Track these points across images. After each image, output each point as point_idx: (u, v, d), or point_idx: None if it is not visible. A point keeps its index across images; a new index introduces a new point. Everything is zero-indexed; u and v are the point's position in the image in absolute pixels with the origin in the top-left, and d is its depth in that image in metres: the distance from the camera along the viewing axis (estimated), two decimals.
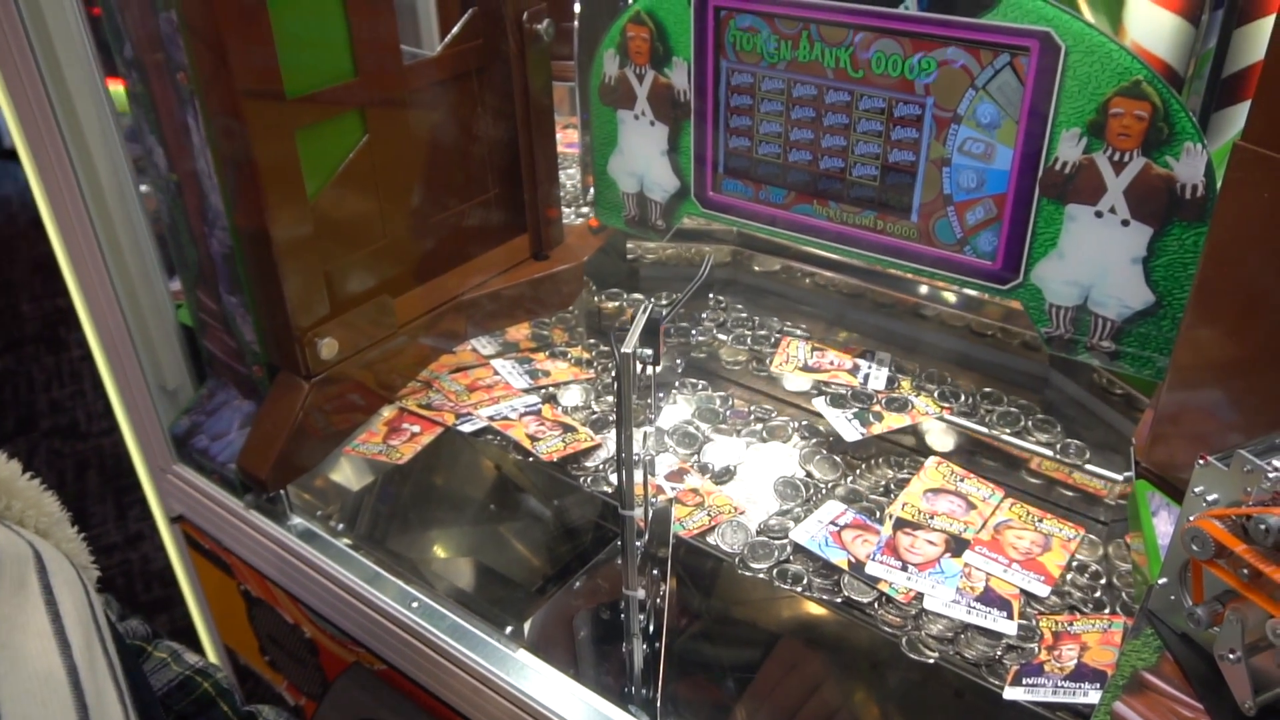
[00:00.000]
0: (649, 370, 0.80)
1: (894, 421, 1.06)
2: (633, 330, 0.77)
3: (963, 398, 1.09)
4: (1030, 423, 1.05)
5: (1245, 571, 0.61)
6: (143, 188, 1.18)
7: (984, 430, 1.05)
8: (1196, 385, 0.80)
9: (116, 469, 2.95)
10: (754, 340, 1.24)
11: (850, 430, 1.05)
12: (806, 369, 1.16)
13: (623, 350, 0.75)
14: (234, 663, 1.48)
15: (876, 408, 1.09)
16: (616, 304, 1.32)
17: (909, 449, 1.08)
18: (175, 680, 0.83)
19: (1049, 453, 1.01)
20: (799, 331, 1.24)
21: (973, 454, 1.06)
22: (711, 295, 1.33)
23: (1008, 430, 1.04)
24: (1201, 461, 0.65)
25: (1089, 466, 0.99)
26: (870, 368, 1.16)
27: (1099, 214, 0.90)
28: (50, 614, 0.53)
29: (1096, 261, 0.92)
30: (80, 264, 1.17)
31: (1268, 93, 0.67)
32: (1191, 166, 0.83)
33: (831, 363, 1.17)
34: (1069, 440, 1.01)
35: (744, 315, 1.29)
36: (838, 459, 1.06)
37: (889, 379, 1.14)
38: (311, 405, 1.08)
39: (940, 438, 1.07)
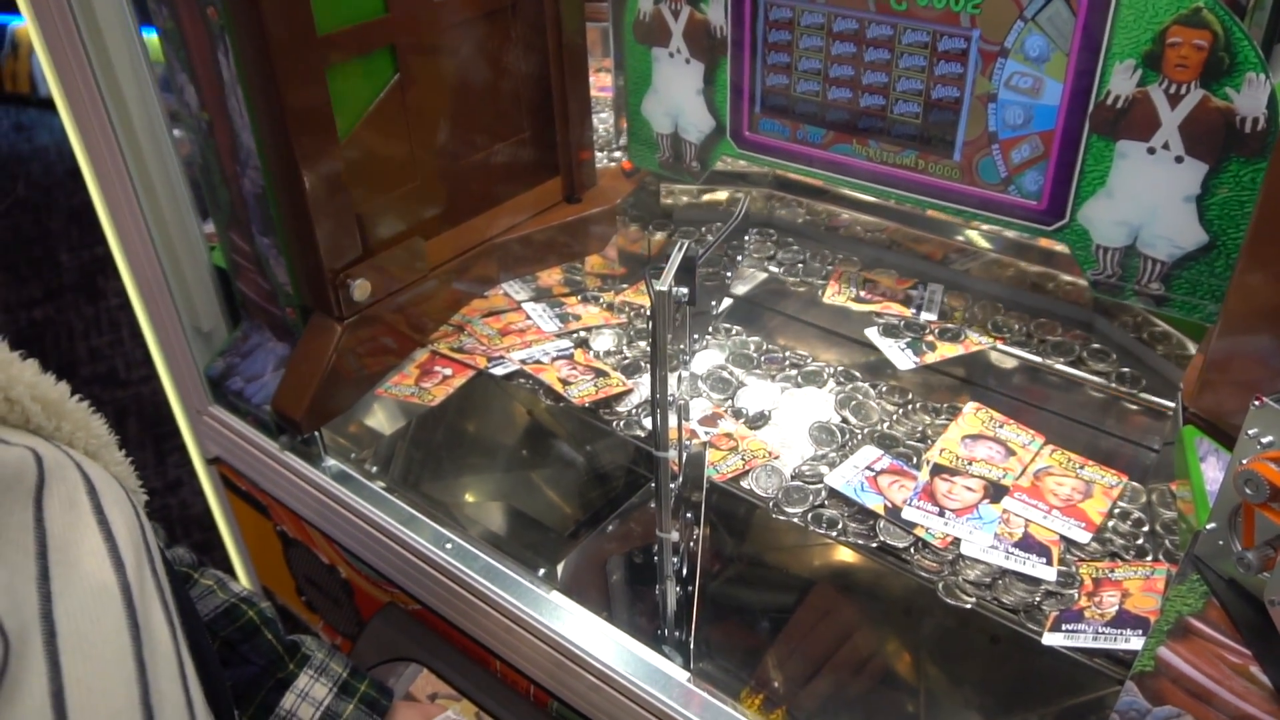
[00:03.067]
0: (684, 309, 0.79)
1: (947, 351, 1.06)
2: (668, 268, 0.75)
3: (1017, 327, 1.08)
4: (1085, 352, 1.03)
5: None
6: (176, 133, 1.17)
7: (1039, 360, 1.04)
8: (1250, 330, 0.77)
9: (155, 416, 2.99)
10: (806, 272, 1.22)
11: (904, 359, 1.05)
12: (859, 300, 1.16)
13: (658, 288, 0.74)
14: (271, 603, 1.50)
15: (930, 337, 1.08)
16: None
17: (960, 379, 1.07)
18: (221, 607, 0.85)
19: (1104, 380, 0.99)
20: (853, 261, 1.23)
21: (1027, 384, 1.05)
22: (755, 231, 1.31)
23: (1062, 360, 1.03)
24: (1257, 403, 0.63)
25: (1144, 395, 0.98)
26: (923, 299, 1.15)
27: (1151, 150, 0.86)
28: (104, 533, 0.54)
29: (1147, 200, 0.89)
30: (117, 208, 1.18)
31: None
32: (1253, 98, 0.79)
33: (884, 293, 1.16)
34: (1124, 369, 1.00)
35: (795, 248, 1.27)
36: (874, 404, 1.05)
37: (941, 311, 1.13)
38: (345, 347, 1.08)
39: (993, 368, 1.06)
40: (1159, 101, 0.84)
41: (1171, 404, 0.95)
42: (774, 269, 1.24)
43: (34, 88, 5.06)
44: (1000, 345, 1.06)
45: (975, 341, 1.07)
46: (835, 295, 1.17)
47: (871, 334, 1.10)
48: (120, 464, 0.65)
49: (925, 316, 1.12)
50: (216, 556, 2.13)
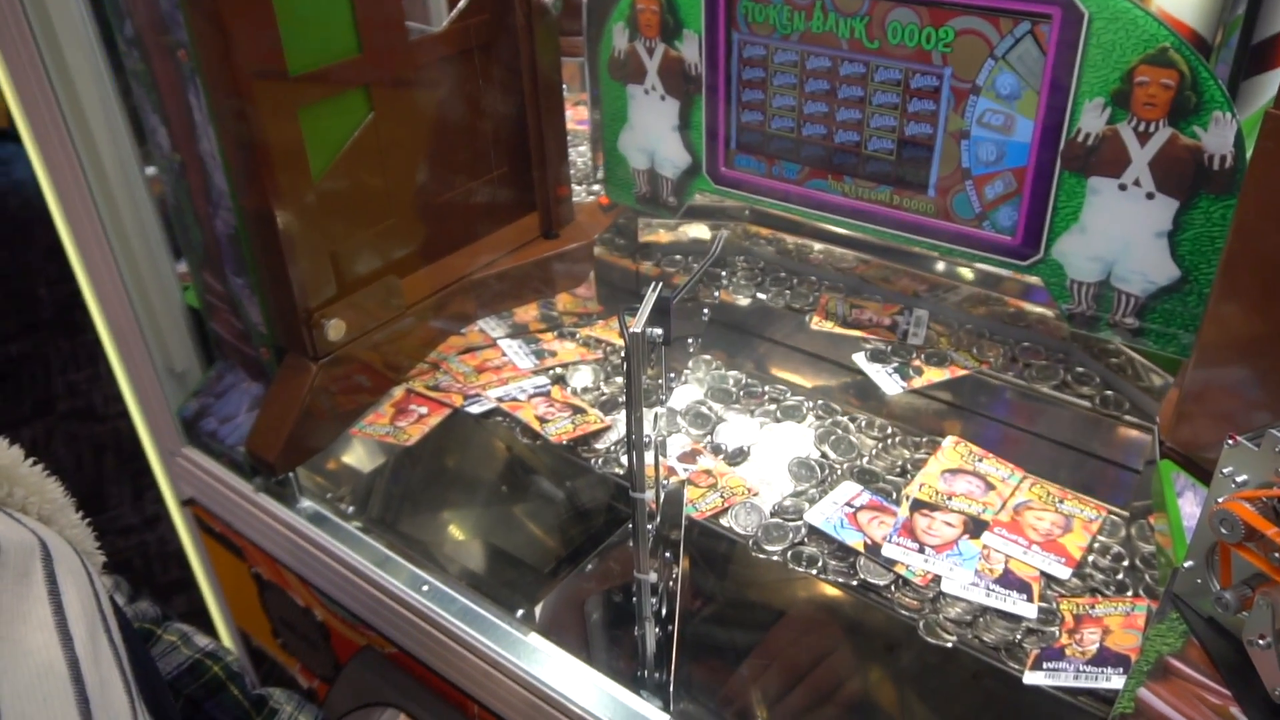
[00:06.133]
0: (659, 350, 0.79)
1: (934, 376, 1.06)
2: (642, 309, 0.75)
3: (1002, 351, 1.09)
4: (1070, 376, 1.04)
5: (1276, 555, 0.59)
6: (149, 170, 1.16)
7: (1023, 384, 1.04)
8: (1223, 363, 0.77)
9: (134, 451, 2.95)
10: (793, 298, 1.23)
11: (891, 384, 1.05)
12: (845, 325, 1.16)
13: (632, 330, 0.73)
14: (247, 645, 1.48)
15: (916, 362, 1.09)
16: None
17: (947, 403, 1.08)
18: (185, 664, 0.83)
19: (1088, 404, 1.00)
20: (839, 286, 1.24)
21: (1013, 408, 1.05)
22: (743, 258, 1.31)
23: (1047, 384, 1.03)
24: (1230, 441, 0.63)
25: (1128, 417, 0.99)
26: (909, 324, 1.15)
27: (1123, 187, 0.87)
28: (53, 605, 0.52)
29: (1120, 236, 0.89)
30: (86, 248, 1.16)
31: None
32: (1220, 136, 0.80)
33: (870, 319, 1.17)
34: (1108, 392, 1.01)
35: (783, 275, 1.27)
36: (853, 439, 1.04)
37: (927, 336, 1.14)
38: (319, 387, 1.07)
39: (979, 393, 1.07)
40: (1128, 139, 0.84)
41: (1151, 425, 0.96)
42: (761, 296, 1.23)
43: (11, 121, 5.05)
44: (985, 370, 1.07)
45: (961, 367, 1.07)
46: (822, 322, 1.17)
47: (859, 359, 1.10)
48: (76, 526, 0.64)
49: (912, 342, 1.13)
50: (195, 596, 2.11)
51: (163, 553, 2.58)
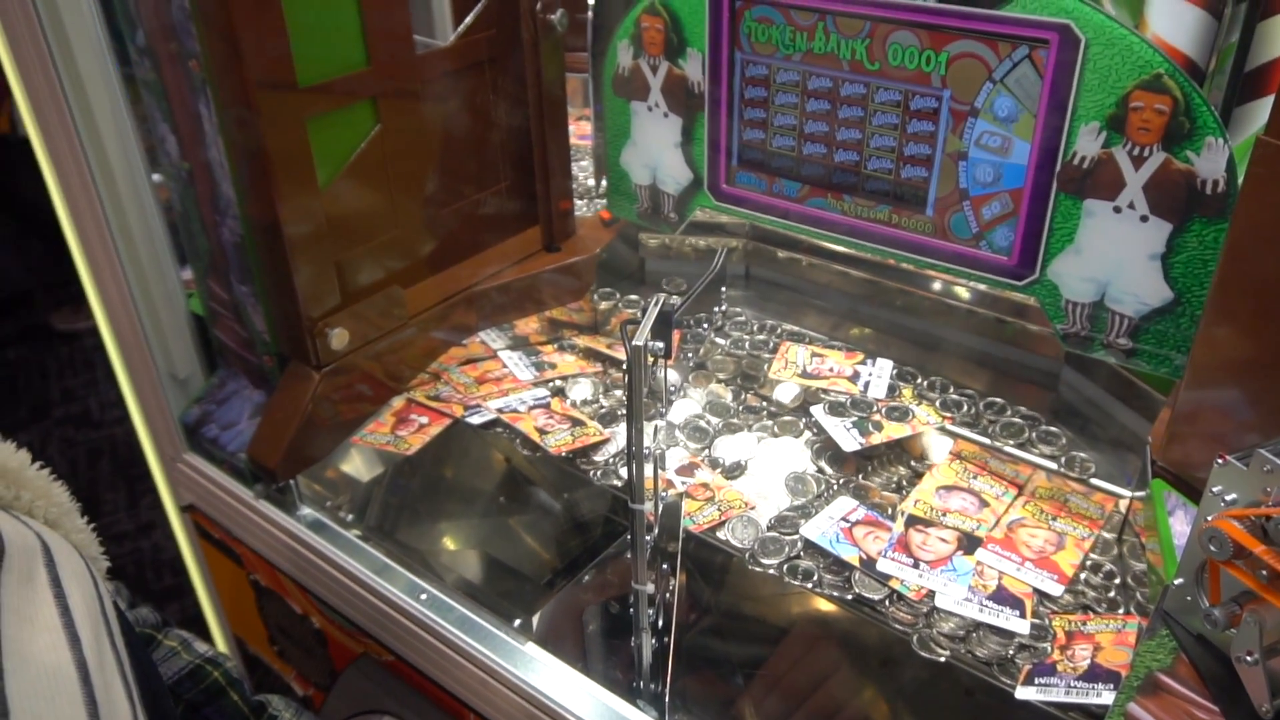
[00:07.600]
0: (660, 364, 0.80)
1: (894, 431, 1.05)
2: (644, 323, 0.76)
3: (965, 407, 1.07)
4: (1034, 434, 1.03)
5: (1264, 573, 0.60)
6: (155, 177, 1.18)
7: (986, 442, 1.03)
8: (1215, 384, 0.79)
9: (129, 457, 2.96)
10: (752, 345, 1.22)
11: (849, 440, 1.03)
12: (805, 375, 1.15)
13: (633, 343, 0.74)
14: (243, 652, 1.48)
15: (876, 417, 1.07)
16: (614, 304, 1.32)
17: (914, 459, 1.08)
18: (185, 669, 0.84)
19: (1053, 466, 0.99)
20: (802, 333, 1.23)
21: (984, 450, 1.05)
22: (724, 289, 1.32)
23: (1011, 442, 1.02)
24: (1220, 461, 0.64)
25: (1095, 481, 0.98)
26: (871, 375, 1.14)
27: (1117, 209, 0.88)
28: (59, 607, 0.53)
29: (1114, 258, 0.91)
30: (92, 252, 1.18)
31: None
32: (1213, 161, 0.81)
33: (831, 369, 1.15)
34: (1074, 453, 1.00)
35: (743, 319, 1.28)
36: (849, 455, 1.05)
37: (890, 386, 1.12)
38: (321, 395, 1.08)
39: (941, 450, 1.06)
40: (1123, 162, 0.86)
41: (1122, 491, 0.96)
42: (720, 340, 1.24)
43: (13, 127, 5.05)
44: (949, 425, 1.06)
45: (923, 421, 1.06)
46: (780, 371, 1.16)
47: (817, 412, 1.09)
48: (81, 531, 0.64)
49: (873, 394, 1.11)
50: (188, 603, 2.11)
51: (157, 560, 2.58)
